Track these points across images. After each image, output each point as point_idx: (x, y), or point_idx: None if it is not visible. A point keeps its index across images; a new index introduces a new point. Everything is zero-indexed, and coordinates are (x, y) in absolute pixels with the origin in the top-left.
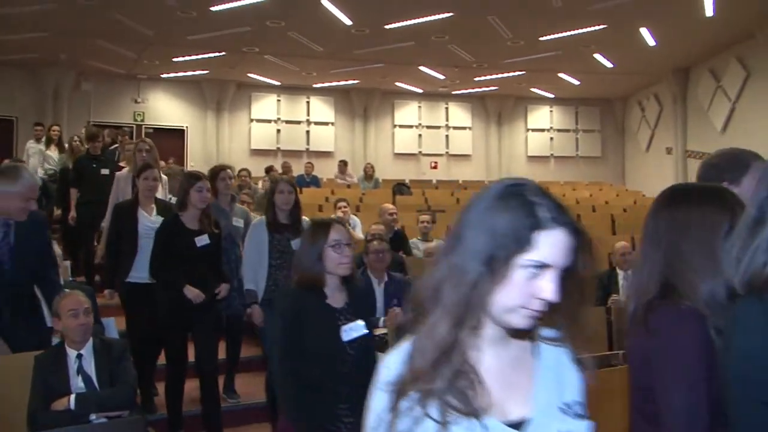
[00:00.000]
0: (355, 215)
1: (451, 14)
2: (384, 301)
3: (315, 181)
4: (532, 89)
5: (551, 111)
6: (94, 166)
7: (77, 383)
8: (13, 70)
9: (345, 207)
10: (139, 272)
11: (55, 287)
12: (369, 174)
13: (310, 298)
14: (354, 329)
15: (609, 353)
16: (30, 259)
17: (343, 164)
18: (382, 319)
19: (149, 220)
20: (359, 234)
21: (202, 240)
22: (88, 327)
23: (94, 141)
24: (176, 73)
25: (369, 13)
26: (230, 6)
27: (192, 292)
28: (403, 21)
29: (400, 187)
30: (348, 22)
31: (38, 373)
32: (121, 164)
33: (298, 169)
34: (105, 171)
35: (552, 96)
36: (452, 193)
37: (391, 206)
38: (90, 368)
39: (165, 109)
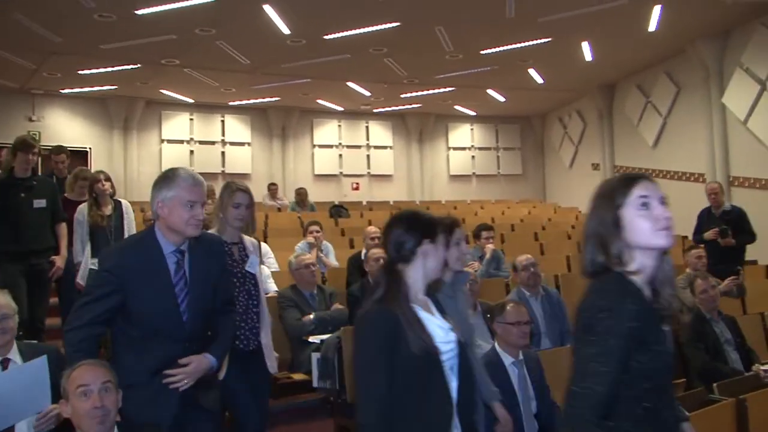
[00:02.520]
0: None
1: (397, 24)
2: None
3: None
4: (456, 107)
5: (472, 129)
6: (22, 195)
7: None
8: None
9: (318, 232)
10: None
11: (227, 322)
12: (302, 199)
13: None
14: None
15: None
16: (208, 297)
17: (275, 187)
18: None
19: None
20: (333, 261)
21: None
22: (108, 413)
23: (27, 153)
24: (79, 88)
25: (311, 22)
26: (159, 9)
27: None
28: (345, 31)
29: (338, 210)
30: (286, 31)
31: None
32: (67, 195)
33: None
34: (40, 203)
35: (473, 114)
36: (391, 213)
37: (374, 229)
38: None
39: (65, 128)
